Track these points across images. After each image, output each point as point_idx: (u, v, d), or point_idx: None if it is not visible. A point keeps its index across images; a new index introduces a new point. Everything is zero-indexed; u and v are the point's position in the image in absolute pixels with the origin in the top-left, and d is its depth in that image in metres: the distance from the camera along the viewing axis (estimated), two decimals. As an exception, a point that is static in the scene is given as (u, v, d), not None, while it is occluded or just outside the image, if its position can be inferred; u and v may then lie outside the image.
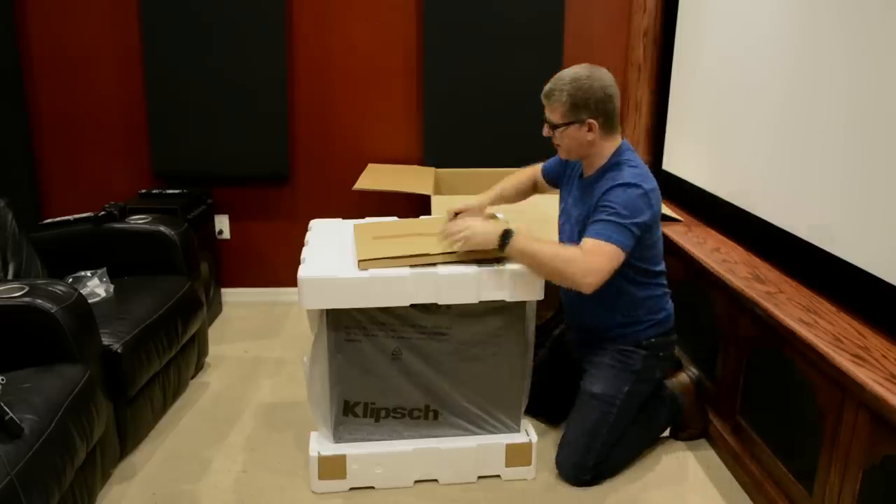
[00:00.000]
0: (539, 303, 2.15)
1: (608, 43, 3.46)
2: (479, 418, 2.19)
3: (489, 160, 3.35)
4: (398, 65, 3.44)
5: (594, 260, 1.96)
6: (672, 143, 3.26)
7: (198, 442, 2.42)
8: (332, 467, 2.13)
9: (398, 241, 2.15)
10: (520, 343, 2.15)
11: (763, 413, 2.14)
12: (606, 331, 2.23)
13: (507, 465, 2.20)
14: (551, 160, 2.37)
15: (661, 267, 2.23)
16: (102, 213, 2.72)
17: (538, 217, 2.46)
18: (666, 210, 2.91)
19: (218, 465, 2.29)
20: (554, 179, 2.38)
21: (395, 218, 2.55)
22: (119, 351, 2.16)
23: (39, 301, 1.93)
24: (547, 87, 2.09)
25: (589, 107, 2.04)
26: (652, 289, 2.21)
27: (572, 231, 2.19)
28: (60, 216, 2.78)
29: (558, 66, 2.45)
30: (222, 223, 3.60)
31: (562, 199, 2.34)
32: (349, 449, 2.14)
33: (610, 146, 2.12)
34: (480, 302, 2.06)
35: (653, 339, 2.22)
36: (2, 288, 1.98)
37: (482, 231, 2.03)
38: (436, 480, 2.19)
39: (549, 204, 2.49)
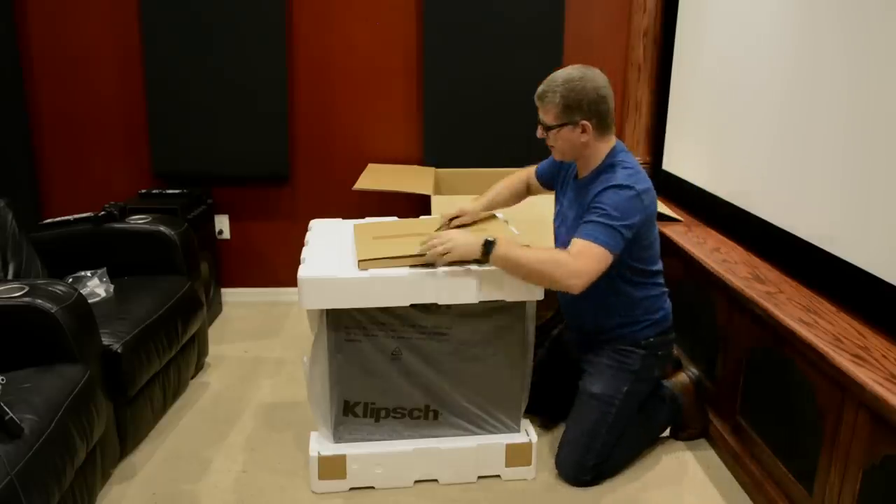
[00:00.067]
0: (539, 303, 2.15)
1: (608, 43, 3.46)
2: (479, 418, 2.19)
3: (489, 160, 3.35)
4: (398, 65, 3.44)
5: (581, 262, 1.96)
6: (672, 143, 3.26)
7: (198, 442, 2.42)
8: (332, 467, 2.13)
9: (398, 241, 2.15)
10: (520, 343, 2.15)
11: (763, 413, 2.14)
12: (605, 331, 2.23)
13: (507, 465, 2.20)
14: (545, 162, 2.37)
15: (658, 266, 2.23)
16: (102, 213, 2.72)
17: (536, 219, 2.45)
18: (666, 210, 2.91)
19: (218, 465, 2.29)
20: (548, 181, 2.38)
21: (395, 218, 2.55)
22: (119, 351, 2.16)
23: (39, 301, 1.93)
24: (540, 88, 2.09)
25: (582, 108, 2.04)
26: (649, 288, 2.21)
27: (568, 233, 2.18)
28: (60, 216, 2.78)
29: (558, 66, 2.45)
30: (222, 223, 3.60)
31: (557, 201, 2.34)
32: (349, 449, 2.14)
33: (604, 147, 2.12)
34: (480, 302, 2.06)
35: (651, 339, 2.22)
36: (2, 288, 1.98)
37: (463, 243, 2.02)
38: (436, 480, 2.19)
39: (545, 205, 2.48)
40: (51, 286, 2.01)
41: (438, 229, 2.22)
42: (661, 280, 2.26)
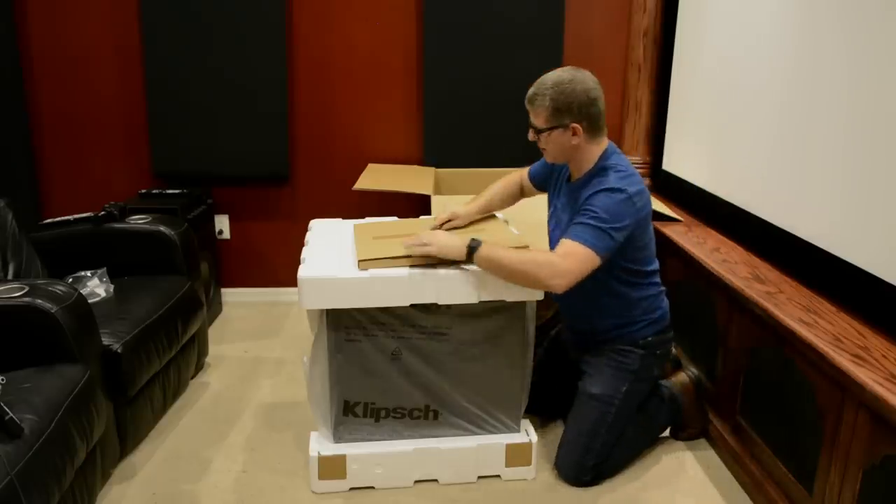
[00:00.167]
0: (539, 303, 2.15)
1: (608, 43, 3.46)
2: (478, 418, 2.19)
3: (489, 160, 3.35)
4: (398, 65, 3.44)
5: (565, 262, 1.96)
6: (672, 143, 3.26)
7: (198, 442, 2.42)
8: (332, 467, 2.13)
9: (398, 241, 2.15)
10: (520, 343, 2.15)
11: (763, 413, 2.14)
12: (603, 332, 2.24)
13: (507, 465, 2.20)
14: (538, 163, 2.37)
15: (654, 266, 2.23)
16: (102, 213, 2.72)
17: (537, 222, 2.45)
18: (666, 210, 2.91)
19: (218, 465, 2.29)
20: (541, 183, 2.39)
21: (395, 218, 2.55)
22: (119, 351, 2.16)
23: (39, 301, 1.93)
24: (530, 91, 2.09)
25: (572, 111, 2.04)
26: (646, 289, 2.21)
27: (563, 235, 2.18)
28: (60, 216, 2.78)
29: (558, 66, 2.45)
30: (222, 223, 3.60)
31: (550, 204, 2.34)
32: (349, 449, 2.14)
33: (596, 149, 2.12)
34: (480, 302, 2.06)
35: (650, 339, 2.22)
36: (2, 288, 1.98)
37: (446, 244, 2.02)
38: (436, 480, 2.19)
39: (543, 207, 2.48)
40: (51, 286, 2.01)
41: None
42: (658, 279, 2.26)
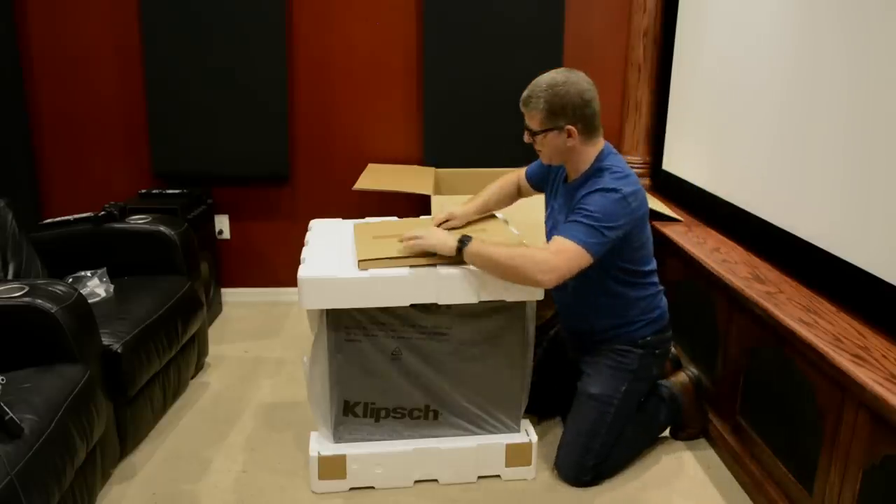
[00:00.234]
0: (539, 303, 2.15)
1: (608, 43, 3.46)
2: (478, 418, 2.19)
3: (489, 160, 3.35)
4: (398, 65, 3.44)
5: (554, 258, 1.96)
6: (672, 143, 3.26)
7: (198, 442, 2.42)
8: (332, 467, 2.13)
9: (398, 240, 2.15)
10: (520, 343, 2.15)
11: (763, 413, 2.14)
12: (602, 332, 2.24)
13: (507, 465, 2.20)
14: (535, 163, 2.37)
15: (652, 266, 2.23)
16: (102, 213, 2.72)
17: (537, 223, 2.45)
18: (666, 210, 2.91)
19: (218, 465, 2.29)
20: (538, 183, 2.39)
21: (395, 218, 2.55)
22: (119, 351, 2.16)
23: (39, 301, 1.93)
24: (524, 94, 2.09)
25: (566, 113, 2.04)
26: (644, 288, 2.21)
27: (556, 234, 2.18)
28: (60, 216, 2.78)
29: (558, 66, 2.46)
30: (222, 223, 3.60)
31: (547, 205, 2.35)
32: (349, 449, 2.14)
33: (592, 150, 2.12)
34: (480, 302, 2.06)
35: (648, 338, 2.22)
36: (2, 288, 1.98)
37: (437, 237, 2.04)
38: (436, 480, 2.19)
39: (541, 207, 2.48)
40: (51, 286, 2.01)
41: None
42: (656, 279, 2.26)
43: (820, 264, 2.06)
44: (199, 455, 2.34)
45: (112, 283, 2.57)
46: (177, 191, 3.34)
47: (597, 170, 2.09)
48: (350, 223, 2.45)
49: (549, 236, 2.29)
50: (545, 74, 2.08)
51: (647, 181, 3.43)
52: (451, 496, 2.14)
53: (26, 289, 1.97)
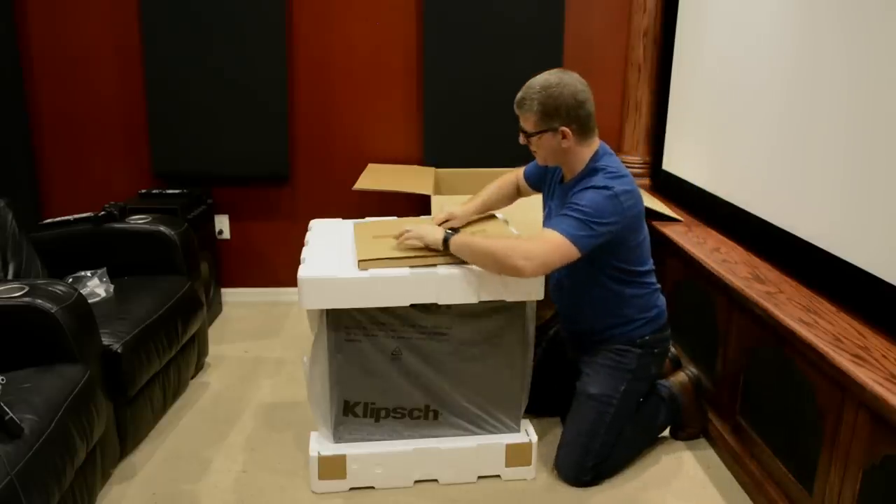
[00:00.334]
0: (539, 303, 2.15)
1: (608, 43, 3.46)
2: (478, 418, 2.19)
3: (489, 160, 3.35)
4: (398, 65, 3.44)
5: (536, 245, 1.96)
6: (672, 143, 3.26)
7: (198, 442, 2.42)
8: (332, 467, 2.13)
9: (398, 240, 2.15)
10: (520, 343, 2.15)
11: (763, 413, 2.14)
12: (600, 332, 2.24)
13: (507, 465, 2.20)
14: (533, 164, 2.38)
15: (648, 266, 2.23)
16: (102, 213, 2.72)
17: (531, 221, 2.45)
18: (666, 210, 2.91)
19: (218, 465, 2.29)
20: (536, 183, 2.39)
21: (396, 218, 2.55)
22: (119, 351, 2.16)
23: (39, 301, 1.93)
24: (518, 96, 2.09)
25: (560, 114, 2.04)
26: (640, 287, 2.20)
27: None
28: (60, 216, 2.78)
29: (558, 66, 2.46)
30: (222, 223, 3.60)
31: (545, 205, 2.36)
32: (349, 449, 2.14)
33: (587, 151, 2.12)
34: (480, 302, 2.06)
35: (647, 337, 2.22)
36: (2, 288, 1.98)
37: (425, 231, 2.07)
38: (436, 480, 2.19)
39: (540, 207, 2.48)
40: (51, 286, 2.01)
41: None
42: (653, 279, 2.25)
43: (820, 264, 2.06)
44: (199, 455, 2.34)
45: (112, 283, 2.57)
46: (177, 191, 3.34)
47: (591, 170, 2.09)
48: (350, 223, 2.45)
49: None
50: (539, 76, 2.09)
51: (647, 181, 3.43)
52: (451, 496, 2.14)
53: (26, 289, 1.97)
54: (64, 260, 2.64)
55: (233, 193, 3.56)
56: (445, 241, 2.03)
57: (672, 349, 2.49)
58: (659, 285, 2.28)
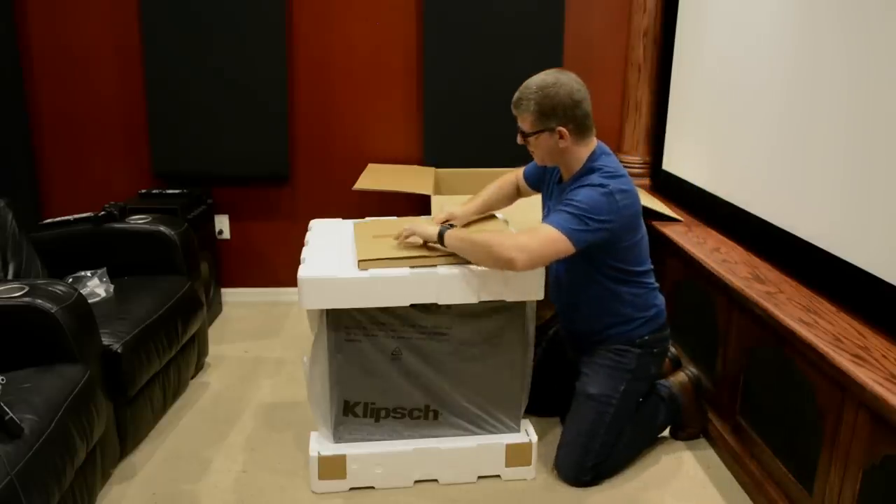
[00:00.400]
0: (539, 303, 2.15)
1: (608, 43, 3.46)
2: (478, 418, 2.19)
3: (489, 160, 3.35)
4: (398, 65, 3.44)
5: (527, 238, 1.97)
6: (672, 143, 3.26)
7: (198, 442, 2.42)
8: (332, 467, 2.13)
9: (398, 240, 2.15)
10: (520, 343, 2.15)
11: (763, 413, 2.14)
12: (599, 332, 2.24)
13: (507, 465, 2.20)
14: (532, 164, 2.38)
15: (646, 266, 2.22)
16: (102, 213, 2.72)
17: (531, 221, 2.45)
18: (666, 210, 2.91)
19: (218, 465, 2.29)
20: (536, 183, 2.40)
21: (396, 217, 2.55)
22: (119, 351, 2.16)
23: (39, 301, 1.93)
24: (515, 96, 2.10)
25: (557, 114, 2.04)
26: (638, 286, 2.20)
27: None
28: (60, 216, 2.78)
29: (558, 66, 2.46)
30: (222, 223, 3.60)
31: (544, 205, 2.36)
32: (349, 449, 2.14)
33: (584, 150, 2.12)
34: (480, 302, 2.06)
35: (646, 337, 2.22)
36: (2, 288, 1.98)
37: (421, 228, 2.10)
38: (436, 480, 2.19)
39: (540, 207, 2.48)
40: (51, 286, 2.01)
41: None
42: (651, 278, 2.25)
43: (820, 264, 2.06)
44: (199, 455, 2.34)
45: (112, 283, 2.57)
46: (177, 191, 3.34)
47: (588, 169, 2.10)
48: (350, 223, 2.45)
49: None
50: (535, 76, 2.10)
51: (647, 181, 3.43)
52: (451, 496, 2.14)
53: (26, 289, 1.97)
54: (64, 260, 2.64)
55: (233, 193, 3.56)
56: (441, 235, 2.05)
57: (672, 349, 2.49)
58: (657, 285, 2.28)
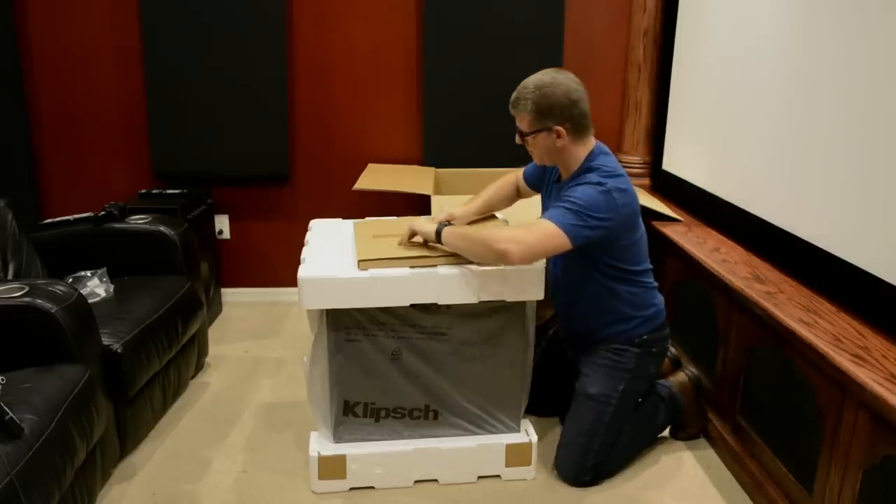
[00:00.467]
0: (539, 303, 2.15)
1: (608, 43, 3.46)
2: (478, 418, 2.19)
3: (489, 160, 3.35)
4: (398, 65, 3.44)
5: (524, 232, 1.97)
6: (672, 143, 3.26)
7: (198, 442, 2.42)
8: (332, 467, 2.13)
9: (398, 240, 2.15)
10: (520, 343, 2.15)
11: (763, 413, 2.14)
12: (598, 332, 2.24)
13: (507, 465, 2.20)
14: (531, 164, 2.38)
15: (645, 266, 2.22)
16: (102, 213, 2.72)
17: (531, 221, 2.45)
18: (666, 210, 2.91)
19: (218, 465, 2.29)
20: (535, 184, 2.40)
21: (396, 217, 2.55)
22: (119, 351, 2.16)
23: (39, 301, 1.93)
24: (513, 95, 2.10)
25: (554, 114, 2.05)
26: (638, 286, 2.20)
27: None
28: (60, 216, 2.78)
29: (558, 66, 2.46)
30: (222, 223, 3.60)
31: (543, 205, 2.36)
32: (349, 449, 2.14)
33: (583, 150, 2.12)
34: (480, 302, 2.06)
35: (645, 337, 2.22)
36: (2, 288, 1.98)
37: (419, 226, 2.11)
38: (436, 480, 2.19)
39: (539, 208, 2.48)
40: (51, 286, 2.01)
41: None
42: (650, 278, 2.25)
43: (820, 264, 2.06)
44: (199, 455, 2.34)
45: (112, 283, 2.57)
46: (177, 191, 3.34)
47: (586, 168, 2.10)
48: (350, 223, 2.45)
49: None
50: (533, 76, 2.10)
51: (647, 181, 3.43)
52: (451, 496, 2.15)
53: (26, 289, 1.97)
54: (64, 260, 2.64)
55: (233, 193, 3.56)
56: (438, 232, 2.06)
57: (672, 349, 2.49)
58: (656, 284, 2.28)
